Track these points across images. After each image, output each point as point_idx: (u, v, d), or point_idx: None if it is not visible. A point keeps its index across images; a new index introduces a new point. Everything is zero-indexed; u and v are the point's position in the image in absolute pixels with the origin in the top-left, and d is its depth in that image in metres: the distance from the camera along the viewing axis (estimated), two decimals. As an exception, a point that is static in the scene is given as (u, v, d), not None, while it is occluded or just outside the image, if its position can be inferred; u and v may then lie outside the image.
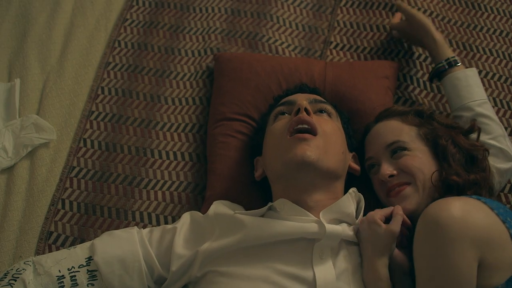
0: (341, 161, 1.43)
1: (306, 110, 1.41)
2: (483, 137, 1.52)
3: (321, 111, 1.49)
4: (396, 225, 1.32)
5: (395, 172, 1.41)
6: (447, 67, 1.62)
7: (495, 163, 1.51)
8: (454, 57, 1.63)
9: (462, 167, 1.40)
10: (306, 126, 1.39)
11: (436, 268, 1.17)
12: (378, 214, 1.35)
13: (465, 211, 1.19)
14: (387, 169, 1.41)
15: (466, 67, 1.69)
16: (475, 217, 1.20)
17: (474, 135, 1.50)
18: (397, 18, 1.87)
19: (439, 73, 1.64)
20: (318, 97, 1.53)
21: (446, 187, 1.37)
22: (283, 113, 1.49)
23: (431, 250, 1.18)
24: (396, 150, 1.42)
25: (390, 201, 1.41)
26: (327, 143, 1.39)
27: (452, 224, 1.16)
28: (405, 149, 1.42)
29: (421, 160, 1.40)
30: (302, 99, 1.46)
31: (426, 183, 1.38)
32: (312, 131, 1.38)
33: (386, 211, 1.36)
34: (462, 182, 1.37)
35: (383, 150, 1.44)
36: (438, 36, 1.67)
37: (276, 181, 1.44)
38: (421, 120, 1.47)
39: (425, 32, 1.69)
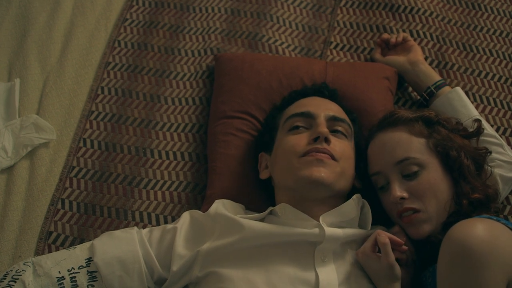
0: (351, 183, 1.44)
1: (325, 139, 1.39)
2: None
3: (337, 131, 1.45)
4: (388, 256, 1.28)
5: (406, 195, 1.36)
6: (435, 92, 1.66)
7: (500, 171, 1.51)
8: (436, 82, 1.66)
9: (476, 179, 1.39)
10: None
11: None
12: (367, 248, 1.32)
13: (492, 234, 1.16)
14: (398, 191, 1.37)
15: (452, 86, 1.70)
16: (502, 240, 1.17)
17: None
18: (378, 52, 1.84)
19: (427, 99, 1.67)
20: (337, 114, 1.48)
21: (469, 205, 1.35)
22: (298, 127, 1.45)
23: (459, 274, 1.14)
24: (408, 169, 1.37)
25: (401, 223, 1.39)
26: (343, 168, 1.40)
27: (482, 248, 1.13)
28: (416, 166, 1.37)
29: (434, 180, 1.36)
30: (323, 122, 1.42)
31: (440, 205, 1.35)
32: (329, 156, 1.38)
33: (372, 241, 1.32)
34: (484, 198, 1.35)
35: (392, 167, 1.39)
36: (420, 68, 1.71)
37: (283, 189, 1.44)
38: (429, 130, 1.42)
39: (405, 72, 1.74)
